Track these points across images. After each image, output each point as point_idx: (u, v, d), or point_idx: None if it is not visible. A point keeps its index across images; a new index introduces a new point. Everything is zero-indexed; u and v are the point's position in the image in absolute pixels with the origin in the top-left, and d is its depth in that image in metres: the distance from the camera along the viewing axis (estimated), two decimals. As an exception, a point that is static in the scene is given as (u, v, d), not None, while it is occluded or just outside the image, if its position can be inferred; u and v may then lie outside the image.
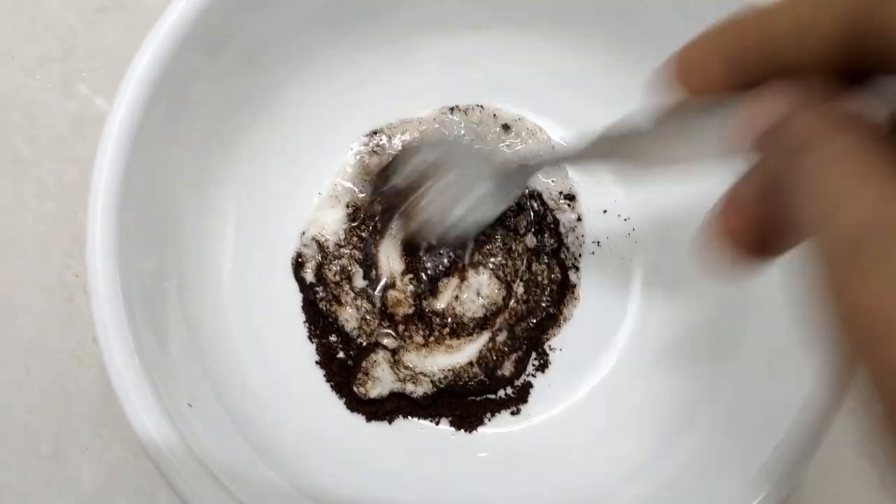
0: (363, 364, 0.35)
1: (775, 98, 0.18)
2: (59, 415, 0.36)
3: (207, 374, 0.31)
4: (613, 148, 0.24)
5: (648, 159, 0.23)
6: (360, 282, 0.36)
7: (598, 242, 0.37)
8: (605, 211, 0.37)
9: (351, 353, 0.35)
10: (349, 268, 0.36)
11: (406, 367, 0.35)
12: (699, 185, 0.34)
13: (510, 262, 0.36)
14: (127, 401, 0.26)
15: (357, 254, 0.36)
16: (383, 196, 0.36)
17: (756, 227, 0.20)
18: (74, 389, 0.36)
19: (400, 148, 0.37)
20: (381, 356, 0.35)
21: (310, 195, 0.37)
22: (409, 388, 0.35)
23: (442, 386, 0.35)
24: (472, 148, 0.35)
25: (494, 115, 0.38)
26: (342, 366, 0.35)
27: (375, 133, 0.37)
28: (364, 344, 0.35)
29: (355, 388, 0.35)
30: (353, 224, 0.36)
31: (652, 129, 0.22)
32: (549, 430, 0.34)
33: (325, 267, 0.36)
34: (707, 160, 0.20)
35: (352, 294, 0.36)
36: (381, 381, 0.35)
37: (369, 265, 0.36)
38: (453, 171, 0.34)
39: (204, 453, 0.26)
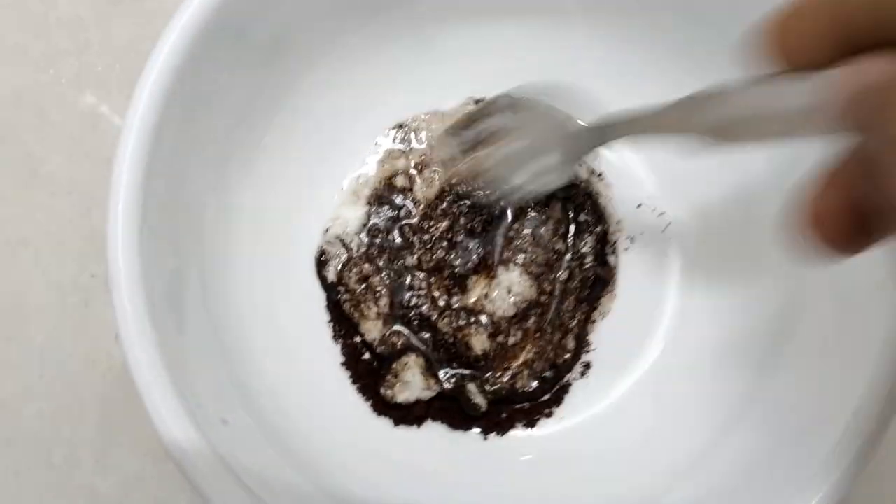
0: (394, 366, 0.34)
1: (876, 64, 0.16)
2: (72, 421, 0.34)
3: (230, 373, 0.30)
4: (698, 115, 0.22)
5: (733, 131, 0.20)
6: (385, 306, 0.35)
7: (632, 238, 0.35)
8: (639, 206, 0.36)
9: (376, 355, 0.34)
10: (378, 288, 0.35)
11: (436, 379, 0.34)
12: (741, 175, 0.33)
13: (542, 258, 0.35)
14: (149, 399, 0.25)
15: (385, 279, 0.35)
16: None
17: (845, 216, 0.18)
18: (89, 395, 0.35)
19: (474, 106, 0.36)
20: (412, 360, 0.34)
21: (332, 190, 0.36)
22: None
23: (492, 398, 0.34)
24: (548, 112, 0.32)
25: (523, 107, 0.36)
26: (368, 367, 0.34)
27: (401, 126, 0.36)
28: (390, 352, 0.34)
29: (382, 391, 0.34)
30: (376, 239, 0.35)
31: (743, 97, 0.20)
32: (588, 431, 0.33)
33: (348, 270, 0.35)
34: (796, 135, 0.19)
35: (375, 309, 0.34)
36: (410, 385, 0.34)
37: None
38: (524, 136, 0.32)
39: (228, 455, 0.25)
